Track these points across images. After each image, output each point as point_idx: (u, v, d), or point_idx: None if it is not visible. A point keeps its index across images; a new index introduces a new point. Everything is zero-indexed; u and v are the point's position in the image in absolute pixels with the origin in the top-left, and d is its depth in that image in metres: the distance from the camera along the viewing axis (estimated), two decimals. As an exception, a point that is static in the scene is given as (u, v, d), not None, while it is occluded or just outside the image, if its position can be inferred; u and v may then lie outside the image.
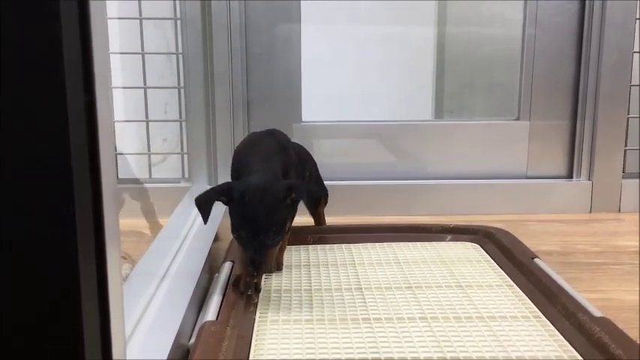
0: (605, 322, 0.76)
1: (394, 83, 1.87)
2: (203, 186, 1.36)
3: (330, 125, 1.51)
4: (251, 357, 0.72)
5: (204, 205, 0.83)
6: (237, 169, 0.95)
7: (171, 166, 1.47)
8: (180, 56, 1.38)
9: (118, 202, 0.47)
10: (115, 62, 1.46)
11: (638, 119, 1.47)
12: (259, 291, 0.89)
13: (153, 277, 0.82)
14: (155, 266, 0.86)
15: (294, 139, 1.46)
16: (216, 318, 0.77)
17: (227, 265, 0.95)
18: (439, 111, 1.89)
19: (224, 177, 1.39)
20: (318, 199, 1.07)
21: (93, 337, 0.42)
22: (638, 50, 1.43)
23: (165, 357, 0.61)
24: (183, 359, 0.69)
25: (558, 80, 1.48)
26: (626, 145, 1.46)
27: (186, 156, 1.42)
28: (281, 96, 1.45)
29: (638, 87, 1.44)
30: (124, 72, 1.43)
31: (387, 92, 1.86)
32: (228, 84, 1.38)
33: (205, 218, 0.83)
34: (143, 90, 1.40)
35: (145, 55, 1.39)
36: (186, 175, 1.42)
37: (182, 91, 1.39)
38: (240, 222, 0.83)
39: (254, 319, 0.81)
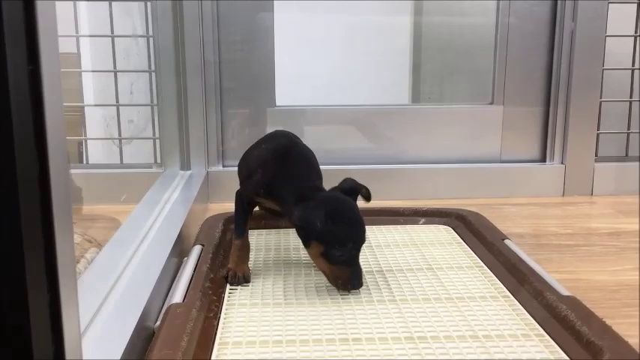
0: (571, 301, 0.76)
1: (371, 69, 1.87)
2: (175, 171, 1.34)
3: (305, 109, 1.50)
4: (217, 339, 0.71)
5: (314, 230, 0.80)
6: (281, 175, 0.88)
7: (138, 149, 1.45)
8: (151, 39, 1.35)
9: (69, 187, 0.45)
10: (85, 45, 1.44)
11: (628, 103, 1.48)
12: (248, 282, 0.88)
13: (118, 262, 0.80)
14: (121, 251, 0.85)
15: (268, 125, 1.46)
16: (183, 300, 0.76)
17: (197, 249, 0.94)
18: (416, 96, 1.89)
19: (197, 163, 1.38)
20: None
21: (42, 325, 0.40)
22: (610, 34, 1.43)
23: (127, 340, 0.60)
24: (149, 341, 0.68)
25: (531, 66, 1.49)
26: (598, 129, 1.47)
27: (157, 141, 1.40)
28: (254, 80, 1.44)
29: (610, 71, 1.45)
30: (91, 52, 1.41)
31: (364, 77, 1.85)
32: (199, 67, 1.36)
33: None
34: (112, 73, 1.38)
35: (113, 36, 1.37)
36: (159, 161, 1.40)
37: (153, 74, 1.37)
38: (344, 239, 0.80)
39: (222, 302, 0.81)
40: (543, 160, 1.51)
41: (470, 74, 1.76)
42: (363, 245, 0.84)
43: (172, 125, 1.34)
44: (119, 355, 0.58)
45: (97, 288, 0.71)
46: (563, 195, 1.47)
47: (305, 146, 0.95)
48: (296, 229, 0.85)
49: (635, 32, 1.46)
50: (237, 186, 1.44)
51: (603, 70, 1.44)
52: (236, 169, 1.41)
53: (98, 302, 0.68)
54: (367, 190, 0.88)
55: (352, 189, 0.87)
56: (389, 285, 0.87)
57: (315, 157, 0.94)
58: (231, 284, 0.86)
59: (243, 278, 0.87)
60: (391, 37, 1.88)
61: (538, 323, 0.74)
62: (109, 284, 0.73)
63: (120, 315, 0.67)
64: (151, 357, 0.62)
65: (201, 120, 1.38)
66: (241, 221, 0.91)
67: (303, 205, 0.81)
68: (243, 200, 0.92)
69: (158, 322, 0.72)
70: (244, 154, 1.00)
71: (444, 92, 1.90)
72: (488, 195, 1.47)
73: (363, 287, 0.84)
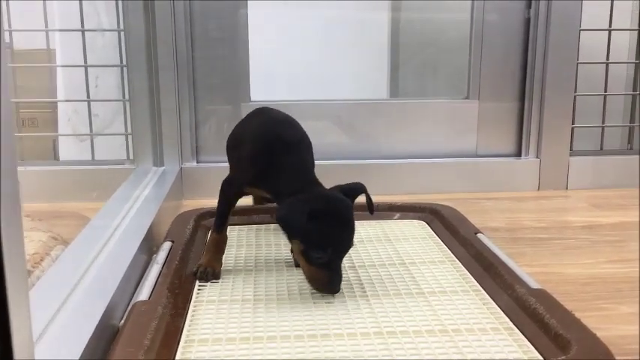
0: (541, 294, 0.76)
1: (350, 64, 1.86)
2: (148, 168, 1.33)
3: (281, 104, 1.47)
4: (183, 336, 0.70)
5: (294, 229, 0.77)
6: (268, 165, 0.82)
7: (105, 144, 1.42)
8: (122, 33, 1.33)
9: (17, 186, 0.44)
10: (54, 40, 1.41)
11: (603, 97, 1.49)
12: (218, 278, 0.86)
13: (83, 259, 0.79)
14: (87, 248, 0.83)
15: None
16: (149, 298, 0.75)
17: (166, 245, 0.93)
18: (394, 91, 1.89)
19: (170, 159, 1.36)
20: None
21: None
22: (584, 28, 1.43)
23: (87, 339, 0.59)
24: (112, 339, 0.66)
25: (507, 61, 1.49)
26: (573, 123, 1.47)
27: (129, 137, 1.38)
28: (229, 75, 1.42)
29: (585, 65, 1.46)
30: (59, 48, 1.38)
31: (342, 73, 1.84)
32: (172, 63, 1.34)
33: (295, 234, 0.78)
34: (80, 68, 1.36)
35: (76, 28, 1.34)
36: (131, 157, 1.38)
37: (124, 69, 1.35)
38: (325, 242, 0.76)
39: (190, 299, 0.79)
40: (519, 154, 1.51)
41: (447, 70, 1.76)
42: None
43: (144, 121, 1.32)
44: (78, 354, 0.56)
45: (60, 286, 0.70)
46: (539, 189, 1.48)
47: (300, 128, 0.90)
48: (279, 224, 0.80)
49: (609, 26, 1.47)
50: (212, 182, 1.42)
51: (578, 64, 1.45)
52: (211, 165, 1.40)
53: (60, 301, 0.66)
54: (370, 200, 0.83)
55: (352, 190, 0.81)
56: (360, 280, 0.86)
57: (310, 143, 0.89)
58: (199, 280, 0.84)
59: (212, 274, 0.85)
60: (369, 33, 1.87)
61: (507, 316, 0.74)
62: (72, 282, 0.71)
63: (82, 313, 0.65)
64: (112, 356, 0.61)
65: (175, 116, 1.36)
66: (223, 214, 0.87)
67: (288, 203, 0.77)
68: (232, 189, 0.88)
69: (123, 321, 0.71)
70: (236, 134, 0.93)
71: (422, 87, 1.90)
72: (465, 189, 1.47)
73: (334, 283, 0.84)
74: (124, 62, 1.34)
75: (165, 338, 0.67)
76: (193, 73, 1.39)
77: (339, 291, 0.79)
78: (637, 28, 1.56)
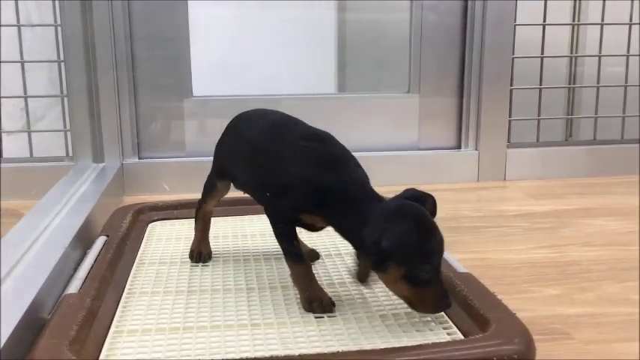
0: (467, 277, 0.78)
1: (298, 60, 1.87)
2: (87, 164, 1.31)
3: (225, 100, 1.49)
4: (112, 327, 0.70)
5: (408, 254, 0.67)
6: (326, 188, 0.72)
7: (39, 141, 1.40)
8: (59, 28, 1.31)
9: None
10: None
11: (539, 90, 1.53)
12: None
13: (12, 255, 0.78)
14: (17, 244, 0.82)
15: (185, 115, 1.44)
16: (79, 290, 0.74)
17: (101, 240, 0.92)
18: (342, 86, 1.91)
19: (110, 155, 1.35)
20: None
21: None
22: (519, 23, 1.47)
23: (9, 332, 0.59)
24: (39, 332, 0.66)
25: (445, 57, 1.52)
26: (510, 116, 1.51)
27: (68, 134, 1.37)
28: (170, 70, 1.41)
29: (520, 59, 1.50)
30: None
31: (290, 68, 1.85)
32: (111, 59, 1.33)
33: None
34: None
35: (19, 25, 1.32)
36: (70, 154, 1.36)
37: (62, 65, 1.33)
38: (428, 255, 0.67)
39: (122, 291, 0.79)
40: (459, 147, 1.55)
41: (390, 66, 1.78)
42: (240, 222, 0.84)
43: (83, 117, 1.31)
44: (-1, 346, 0.56)
45: (-15, 280, 0.69)
46: (478, 180, 1.51)
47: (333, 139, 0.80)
48: (363, 256, 0.70)
49: (544, 21, 1.51)
50: (154, 178, 1.41)
51: (513, 58, 1.49)
52: (153, 160, 1.39)
53: (-16, 294, 0.66)
54: (434, 201, 0.74)
55: (416, 198, 0.72)
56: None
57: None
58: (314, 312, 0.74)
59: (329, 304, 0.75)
60: (317, 31, 1.88)
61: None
62: (-2, 277, 0.71)
63: (6, 306, 0.64)
64: (36, 347, 0.61)
65: (114, 112, 1.35)
66: (292, 243, 0.77)
67: (382, 228, 0.66)
68: (288, 221, 0.77)
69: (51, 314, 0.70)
70: (265, 152, 0.79)
71: (368, 82, 1.92)
72: (408, 181, 1.48)
73: (265, 272, 0.85)
74: (61, 58, 1.32)
75: (93, 330, 0.67)
76: (133, 69, 1.38)
77: (451, 305, 0.69)
78: (570, 22, 1.61)
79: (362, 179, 0.75)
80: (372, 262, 0.68)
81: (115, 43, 1.34)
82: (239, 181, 0.86)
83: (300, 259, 0.76)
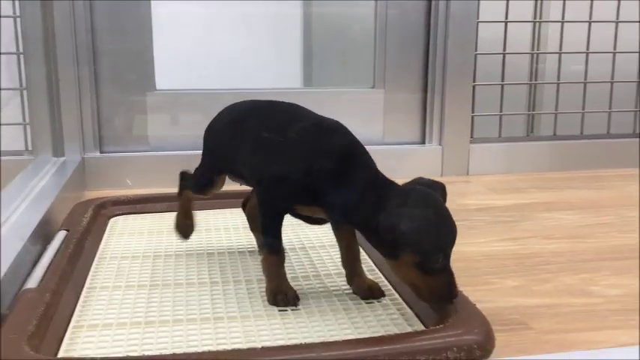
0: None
1: (265, 55, 1.86)
2: (47, 158, 1.29)
3: (189, 93, 1.47)
4: (72, 321, 0.69)
5: (426, 241, 0.66)
6: (340, 178, 0.70)
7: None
8: (19, 20, 1.28)
9: None
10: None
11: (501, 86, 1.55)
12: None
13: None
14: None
15: (148, 109, 1.42)
16: (38, 285, 0.73)
17: (61, 234, 0.91)
18: (308, 80, 1.91)
19: (71, 149, 1.33)
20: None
21: None
22: (481, 20, 1.49)
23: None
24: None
25: (409, 52, 1.53)
26: (473, 112, 1.53)
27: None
28: (133, 64, 1.39)
29: (483, 55, 1.52)
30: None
31: (256, 62, 1.85)
32: (72, 52, 1.31)
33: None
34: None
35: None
36: (30, 148, 1.33)
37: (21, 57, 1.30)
38: (442, 243, 0.67)
39: (82, 286, 0.78)
40: (423, 142, 1.56)
41: (356, 60, 1.79)
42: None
43: (43, 110, 1.28)
44: (-48, 341, 0.55)
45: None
46: (442, 175, 1.53)
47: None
48: (376, 241, 0.69)
49: (506, 18, 1.54)
50: (116, 173, 1.38)
51: (476, 54, 1.51)
52: (116, 155, 1.37)
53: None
54: (444, 189, 0.73)
55: (428, 186, 0.71)
56: (258, 265, 0.87)
57: None
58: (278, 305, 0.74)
59: (293, 297, 0.75)
60: (283, 26, 1.88)
61: (396, 291, 0.77)
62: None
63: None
64: (-7, 343, 0.60)
65: (75, 105, 1.32)
66: (276, 235, 0.75)
67: (401, 213, 0.65)
68: (280, 211, 0.75)
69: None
70: (269, 141, 0.76)
71: (334, 77, 1.93)
72: (372, 177, 1.50)
73: (229, 266, 0.84)
74: (20, 50, 1.30)
75: (52, 324, 0.66)
76: (95, 61, 1.36)
77: (458, 295, 0.69)
78: (532, 20, 1.64)
79: (373, 167, 0.73)
80: (385, 248, 0.68)
81: (77, 36, 1.31)
82: (238, 172, 0.82)
83: (276, 250, 0.75)
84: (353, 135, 0.76)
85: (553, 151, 1.59)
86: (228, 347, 0.63)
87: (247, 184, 0.83)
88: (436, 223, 0.66)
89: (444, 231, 0.67)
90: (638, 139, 1.61)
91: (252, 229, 0.92)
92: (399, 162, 1.52)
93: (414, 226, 0.65)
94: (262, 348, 0.60)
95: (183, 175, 0.92)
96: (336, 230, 0.79)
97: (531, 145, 1.59)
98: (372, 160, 0.74)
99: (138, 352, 0.63)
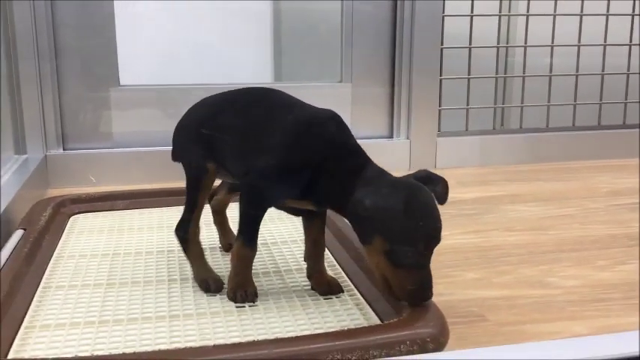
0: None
1: (235, 48, 1.85)
2: (9, 156, 1.26)
3: (155, 89, 1.46)
4: (24, 323, 0.68)
5: (390, 221, 0.63)
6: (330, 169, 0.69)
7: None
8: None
9: None
10: None
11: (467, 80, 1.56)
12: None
13: None
14: None
15: (112, 105, 1.40)
16: (-10, 287, 0.72)
17: (17, 233, 0.89)
18: (278, 75, 1.91)
19: (33, 146, 1.31)
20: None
21: None
22: (447, 14, 1.50)
23: None
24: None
25: (376, 47, 1.52)
26: (440, 105, 1.54)
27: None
28: (95, 59, 1.37)
29: (449, 49, 1.52)
30: None
31: (226, 57, 1.83)
32: (32, 48, 1.28)
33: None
34: None
35: None
36: (-9, 145, 1.31)
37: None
38: (416, 235, 0.63)
39: (37, 286, 0.77)
40: (391, 136, 1.56)
41: (324, 54, 1.79)
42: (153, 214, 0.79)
43: (3, 107, 1.25)
44: None
45: None
46: (410, 169, 1.54)
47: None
48: (353, 222, 0.67)
49: (471, 12, 1.54)
50: (80, 170, 1.36)
51: (442, 48, 1.51)
52: (79, 152, 1.35)
53: None
54: (446, 184, 0.69)
55: (426, 180, 0.69)
56: (220, 264, 0.87)
57: None
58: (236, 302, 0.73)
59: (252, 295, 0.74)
60: (253, 18, 1.87)
61: (354, 284, 0.78)
62: None
63: None
64: (-61, 346, 0.58)
65: (37, 102, 1.30)
66: (256, 229, 0.73)
67: (373, 191, 0.64)
68: (265, 207, 0.73)
69: (-41, 311, 0.68)
70: (258, 133, 0.74)
71: (302, 71, 1.92)
72: (340, 171, 1.50)
73: (188, 264, 0.84)
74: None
75: (4, 325, 0.65)
76: (57, 57, 1.33)
77: (431, 297, 0.66)
78: (497, 14, 1.65)
79: (365, 156, 0.72)
80: (359, 230, 0.66)
81: (37, 31, 1.29)
82: (223, 164, 0.78)
83: (251, 244, 0.73)
84: (345, 124, 0.74)
85: (521, 143, 1.60)
86: (182, 345, 0.63)
87: (232, 177, 0.80)
88: (408, 212, 0.63)
89: (417, 224, 0.64)
90: (602, 131, 1.63)
91: (217, 222, 0.90)
92: (367, 156, 1.52)
93: (379, 203, 0.63)
94: (214, 346, 0.60)
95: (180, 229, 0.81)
96: (307, 222, 0.78)
97: (499, 138, 1.60)
98: (362, 150, 0.73)
99: (89, 352, 0.62)
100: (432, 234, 0.65)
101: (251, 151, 0.73)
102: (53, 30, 1.32)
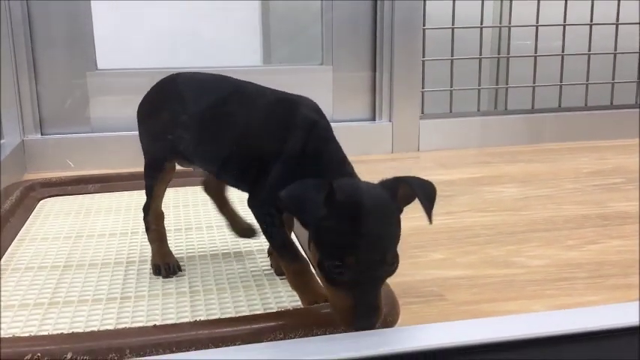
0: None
1: (225, 32, 1.84)
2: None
3: (133, 73, 1.45)
4: (-26, 305, 0.68)
5: (308, 211, 0.54)
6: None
7: None
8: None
9: None
10: None
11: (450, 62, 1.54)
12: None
13: None
14: None
15: (89, 89, 1.38)
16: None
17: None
18: (267, 58, 1.89)
19: (10, 131, 1.30)
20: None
21: None
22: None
23: None
24: None
25: (357, 28, 1.51)
26: (422, 88, 1.52)
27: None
28: (72, 43, 1.36)
29: (431, 30, 1.51)
30: None
31: (214, 40, 1.82)
32: (7, 32, 1.28)
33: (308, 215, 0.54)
34: None
35: None
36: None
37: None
38: (343, 247, 0.52)
39: (-8, 269, 0.77)
40: (373, 118, 1.55)
41: (306, 37, 1.77)
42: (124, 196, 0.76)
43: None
44: None
45: None
46: (392, 151, 1.52)
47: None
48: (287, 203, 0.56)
49: (454, -7, 1.52)
50: (58, 155, 1.34)
51: (424, 29, 1.49)
52: (57, 136, 1.35)
53: None
54: (433, 189, 0.59)
55: (390, 185, 0.57)
56: (172, 246, 0.86)
57: None
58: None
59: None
60: (241, 5, 1.86)
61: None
62: None
63: None
64: None
65: (12, 86, 1.30)
66: (290, 243, 0.65)
67: (301, 181, 0.55)
68: (279, 220, 0.64)
69: None
70: (238, 123, 0.69)
71: (291, 54, 1.91)
72: (323, 155, 1.49)
73: (141, 245, 0.83)
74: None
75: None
76: (32, 41, 1.33)
77: (373, 327, 0.53)
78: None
79: (337, 153, 0.67)
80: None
81: (12, 14, 1.28)
82: (192, 156, 0.72)
83: (296, 259, 0.64)
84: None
85: (506, 125, 1.59)
86: (129, 326, 0.63)
87: (203, 166, 0.74)
88: (342, 218, 0.52)
89: (348, 233, 0.52)
90: (588, 112, 1.61)
91: (219, 208, 0.81)
92: (349, 140, 1.49)
93: (296, 192, 0.53)
94: (154, 326, 0.59)
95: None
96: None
97: (481, 120, 1.59)
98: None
99: (34, 333, 0.62)
100: (357, 247, 0.52)
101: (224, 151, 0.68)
102: (28, 13, 1.31)
